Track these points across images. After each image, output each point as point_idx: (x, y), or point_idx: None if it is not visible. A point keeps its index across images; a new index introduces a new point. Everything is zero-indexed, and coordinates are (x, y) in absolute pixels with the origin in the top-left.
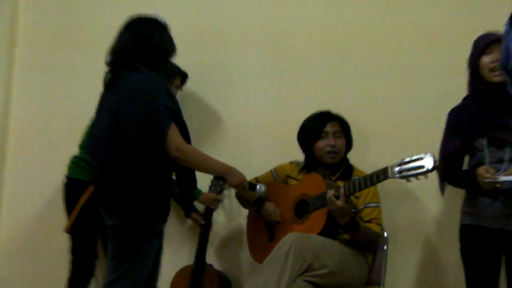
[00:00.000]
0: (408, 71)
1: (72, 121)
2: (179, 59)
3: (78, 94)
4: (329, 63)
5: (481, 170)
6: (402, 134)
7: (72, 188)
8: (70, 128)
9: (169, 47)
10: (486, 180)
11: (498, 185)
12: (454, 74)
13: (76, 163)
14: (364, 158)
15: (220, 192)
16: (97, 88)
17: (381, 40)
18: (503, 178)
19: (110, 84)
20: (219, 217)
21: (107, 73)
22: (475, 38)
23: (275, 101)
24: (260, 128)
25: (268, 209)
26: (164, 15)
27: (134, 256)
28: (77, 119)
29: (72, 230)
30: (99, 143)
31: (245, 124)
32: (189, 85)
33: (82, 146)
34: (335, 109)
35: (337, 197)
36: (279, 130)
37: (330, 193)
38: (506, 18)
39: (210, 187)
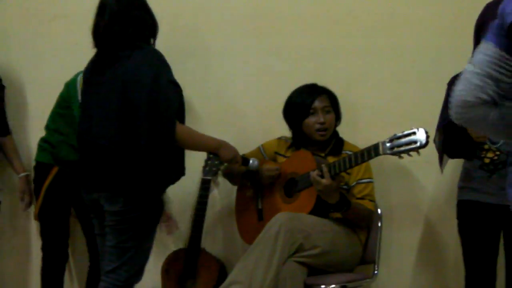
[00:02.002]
0: (398, 49)
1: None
2: (161, 41)
3: (49, 72)
4: (315, 40)
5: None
6: (393, 108)
7: (38, 172)
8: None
9: (156, 23)
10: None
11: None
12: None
13: (41, 146)
14: (354, 131)
15: (215, 173)
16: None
17: (368, 16)
18: None
19: (107, 65)
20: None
21: (99, 55)
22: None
23: (259, 80)
24: (247, 107)
25: (263, 169)
26: None
27: (139, 242)
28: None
29: (40, 215)
30: (108, 125)
31: (231, 104)
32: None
33: (48, 127)
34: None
35: (322, 176)
36: (265, 109)
37: (314, 173)
38: None
39: (204, 168)
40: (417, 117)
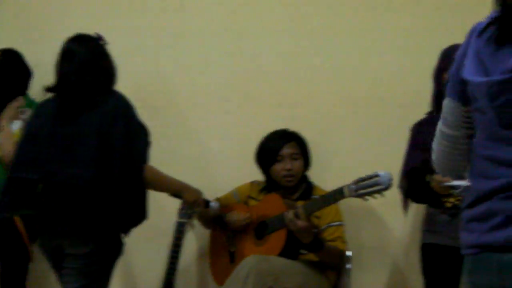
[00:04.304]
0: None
1: None
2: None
3: None
4: (290, 88)
5: (437, 175)
6: (364, 152)
7: None
8: None
9: (116, 72)
10: (440, 184)
11: (452, 191)
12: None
13: None
14: (325, 175)
15: (190, 216)
16: None
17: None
18: (455, 182)
19: (80, 111)
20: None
21: (67, 101)
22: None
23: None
24: (220, 151)
25: (231, 217)
26: None
27: (103, 284)
28: None
29: None
30: (84, 167)
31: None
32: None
33: None
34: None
35: (298, 217)
36: (239, 153)
37: (290, 213)
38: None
39: (180, 210)
40: (385, 161)
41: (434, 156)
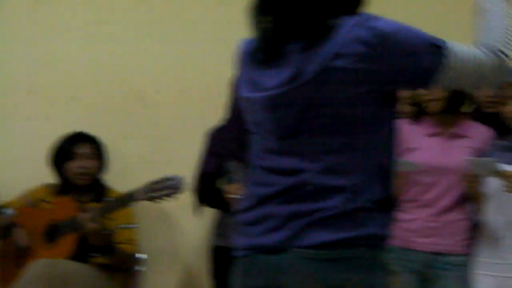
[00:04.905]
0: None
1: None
2: None
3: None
4: None
5: (228, 186)
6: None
7: None
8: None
9: None
10: (230, 196)
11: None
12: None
13: None
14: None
15: None
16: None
17: None
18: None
19: None
20: None
21: None
22: None
23: None
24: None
25: (16, 233)
26: None
27: None
28: None
29: None
30: None
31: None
32: None
33: None
34: None
35: (90, 220)
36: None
37: (82, 216)
38: None
39: None
40: (183, 164)
41: None
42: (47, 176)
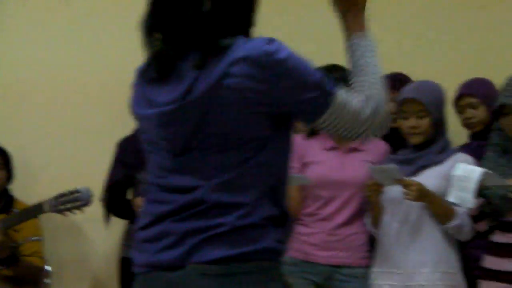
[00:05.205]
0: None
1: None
2: None
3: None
4: None
5: (138, 200)
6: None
7: None
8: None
9: None
10: (137, 208)
11: None
12: None
13: None
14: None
15: None
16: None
17: None
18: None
19: None
20: None
21: None
22: None
23: None
24: None
25: None
26: None
27: None
28: None
29: None
30: None
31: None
32: None
33: None
34: None
35: None
36: None
37: None
38: None
39: None
40: (93, 174)
41: None
42: None
